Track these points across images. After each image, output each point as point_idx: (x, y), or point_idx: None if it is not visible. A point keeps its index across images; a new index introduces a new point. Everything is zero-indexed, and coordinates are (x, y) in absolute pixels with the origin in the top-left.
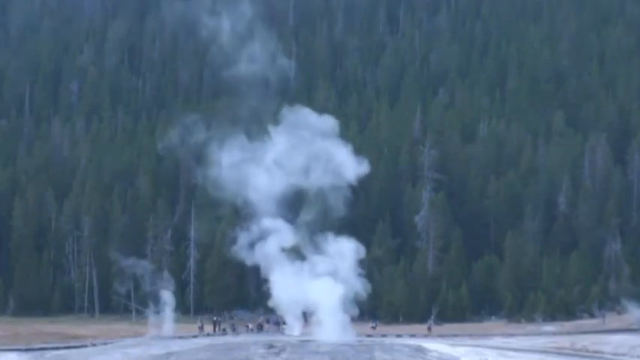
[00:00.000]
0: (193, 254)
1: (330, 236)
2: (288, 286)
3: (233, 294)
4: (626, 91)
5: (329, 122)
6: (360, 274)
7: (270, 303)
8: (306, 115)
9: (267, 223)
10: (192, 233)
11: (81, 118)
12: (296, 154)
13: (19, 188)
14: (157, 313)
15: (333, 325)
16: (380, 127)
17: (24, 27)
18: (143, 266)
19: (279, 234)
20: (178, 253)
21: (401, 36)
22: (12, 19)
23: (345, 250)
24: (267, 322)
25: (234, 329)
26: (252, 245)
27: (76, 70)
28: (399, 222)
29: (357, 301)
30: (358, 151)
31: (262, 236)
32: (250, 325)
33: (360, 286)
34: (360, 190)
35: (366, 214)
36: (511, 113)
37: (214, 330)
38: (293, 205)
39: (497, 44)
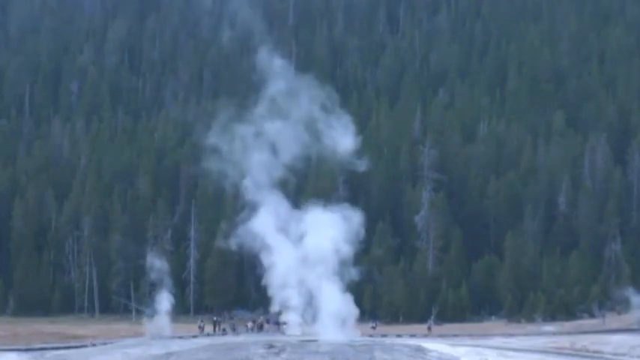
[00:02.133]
0: (193, 254)
1: (323, 208)
2: (283, 260)
3: (233, 294)
4: (626, 91)
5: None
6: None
7: (264, 280)
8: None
9: (261, 197)
10: (192, 233)
11: (81, 118)
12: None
13: (19, 188)
14: (157, 313)
15: (333, 312)
16: (380, 127)
17: (24, 27)
18: (142, 265)
19: (273, 208)
20: (178, 253)
21: (401, 36)
22: (12, 19)
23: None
24: (267, 322)
25: (234, 329)
26: (247, 222)
27: (76, 70)
28: (399, 222)
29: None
30: (358, 151)
31: (256, 213)
32: (250, 324)
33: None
34: (360, 190)
35: (366, 214)
36: (511, 113)
37: (214, 330)
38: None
39: (497, 44)
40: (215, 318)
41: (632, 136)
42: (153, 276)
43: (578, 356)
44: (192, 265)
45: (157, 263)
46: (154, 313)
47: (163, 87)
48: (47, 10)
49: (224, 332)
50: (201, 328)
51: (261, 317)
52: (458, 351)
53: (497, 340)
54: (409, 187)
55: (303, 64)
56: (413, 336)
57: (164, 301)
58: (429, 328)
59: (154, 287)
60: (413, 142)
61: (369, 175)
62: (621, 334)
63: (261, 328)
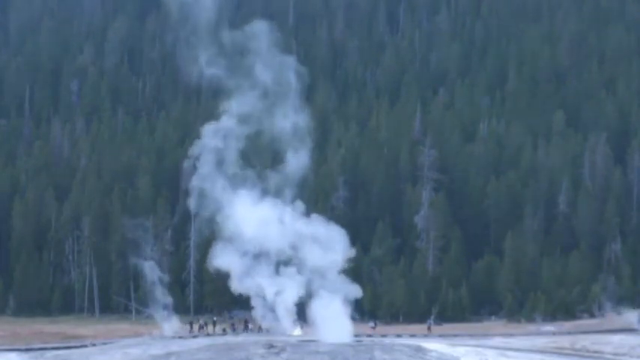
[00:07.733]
0: (193, 254)
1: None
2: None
3: (232, 294)
4: (626, 91)
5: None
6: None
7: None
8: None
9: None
10: (192, 233)
11: (81, 118)
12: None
13: (19, 188)
14: (157, 313)
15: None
16: (380, 127)
17: (24, 27)
18: (143, 265)
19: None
20: (178, 253)
21: (401, 36)
22: (12, 19)
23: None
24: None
25: (234, 329)
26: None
27: (76, 70)
28: (399, 222)
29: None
30: (358, 151)
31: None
32: (232, 323)
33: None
34: (360, 190)
35: (366, 214)
36: (511, 113)
37: (213, 330)
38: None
39: (497, 44)
40: (214, 318)
41: (632, 136)
42: (153, 276)
43: (578, 356)
44: (192, 265)
45: (156, 263)
46: (154, 314)
47: (163, 87)
48: (47, 10)
49: (224, 332)
50: (201, 328)
51: (241, 317)
52: (458, 351)
53: (497, 340)
54: (409, 187)
55: (303, 64)
56: (413, 336)
57: (164, 301)
58: (429, 328)
59: (153, 287)
60: (413, 142)
61: (369, 175)
62: (621, 334)
63: (233, 328)
